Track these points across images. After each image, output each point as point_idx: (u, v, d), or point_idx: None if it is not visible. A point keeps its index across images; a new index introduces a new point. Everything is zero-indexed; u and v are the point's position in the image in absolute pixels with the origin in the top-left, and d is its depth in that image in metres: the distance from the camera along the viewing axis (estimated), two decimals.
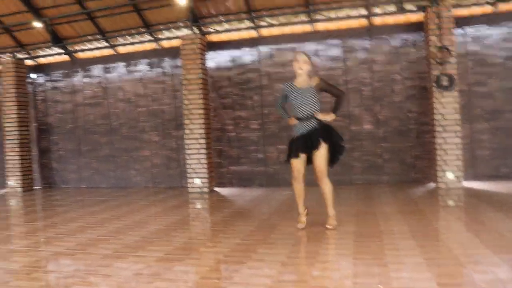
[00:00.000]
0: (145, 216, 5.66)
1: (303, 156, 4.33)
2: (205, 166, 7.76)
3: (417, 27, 7.33)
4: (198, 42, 7.68)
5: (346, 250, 3.60)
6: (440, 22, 6.52)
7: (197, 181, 7.78)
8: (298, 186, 4.44)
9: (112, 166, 9.19)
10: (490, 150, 7.19)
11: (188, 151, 7.82)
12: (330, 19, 7.63)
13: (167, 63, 8.70)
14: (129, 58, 8.94)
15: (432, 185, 7.11)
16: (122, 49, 8.99)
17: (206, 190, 7.74)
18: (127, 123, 9.02)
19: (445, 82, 6.57)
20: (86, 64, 9.27)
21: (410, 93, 7.48)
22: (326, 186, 4.35)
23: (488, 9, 7.11)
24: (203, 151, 7.76)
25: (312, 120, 4.31)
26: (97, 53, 9.15)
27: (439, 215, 5.12)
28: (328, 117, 4.36)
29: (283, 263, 3.35)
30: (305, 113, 4.31)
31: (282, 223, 4.82)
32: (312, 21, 7.77)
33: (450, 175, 6.68)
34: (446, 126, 6.69)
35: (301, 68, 4.35)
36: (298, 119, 4.35)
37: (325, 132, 4.31)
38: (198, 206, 6.64)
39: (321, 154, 4.26)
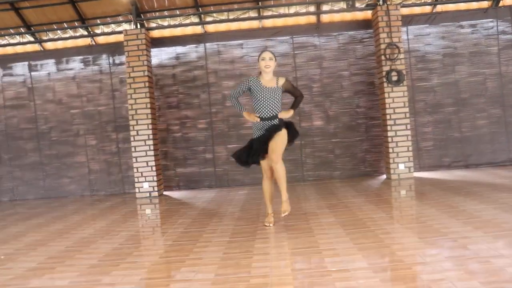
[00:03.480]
0: (108, 224, 5.50)
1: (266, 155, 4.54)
2: (154, 169, 7.69)
3: (364, 24, 7.99)
4: (143, 37, 7.60)
5: (344, 238, 3.90)
6: (389, 20, 7.19)
7: (146, 185, 7.68)
8: (270, 185, 4.69)
9: (41, 175, 8.68)
10: (433, 141, 8.05)
11: (135, 154, 7.69)
12: (279, 16, 7.99)
13: (104, 60, 8.44)
14: (59, 55, 8.51)
15: (383, 177, 7.78)
16: (50, 45, 8.54)
17: (155, 194, 7.67)
18: (58, 126, 8.58)
19: (394, 78, 7.25)
20: (7, 61, 8.64)
21: (358, 88, 8.10)
22: (281, 169, 4.45)
23: (427, 9, 8.01)
24: (151, 153, 7.69)
25: (275, 121, 4.56)
26: (19, 49, 8.58)
27: (408, 203, 5.69)
28: (288, 114, 4.65)
29: (294, 254, 3.57)
30: (271, 113, 4.54)
31: (262, 218, 4.95)
32: (260, 17, 8.07)
33: (401, 166, 7.37)
34: (396, 120, 7.38)
35: (268, 66, 4.56)
36: (262, 118, 4.56)
37: (285, 125, 4.61)
38: (158, 210, 6.59)
39: (279, 138, 4.45)
